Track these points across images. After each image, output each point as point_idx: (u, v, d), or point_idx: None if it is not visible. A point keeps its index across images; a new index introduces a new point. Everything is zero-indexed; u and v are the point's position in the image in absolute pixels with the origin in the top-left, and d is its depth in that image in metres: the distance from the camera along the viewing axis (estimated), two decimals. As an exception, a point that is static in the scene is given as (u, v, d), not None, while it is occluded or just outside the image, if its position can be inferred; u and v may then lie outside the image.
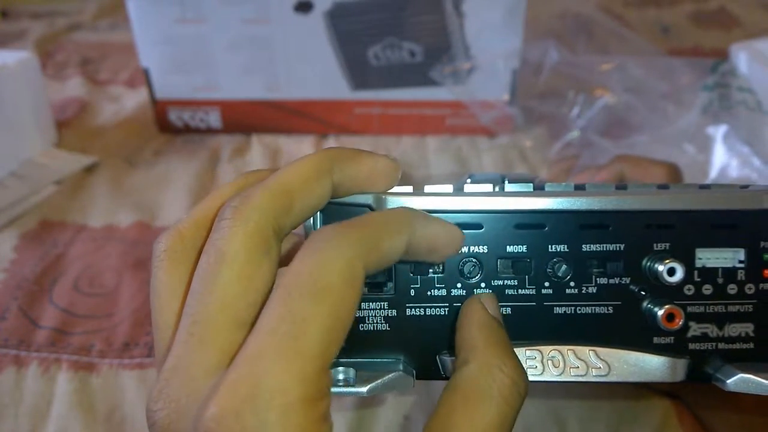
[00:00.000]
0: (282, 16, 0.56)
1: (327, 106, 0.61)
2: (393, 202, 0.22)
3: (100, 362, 0.38)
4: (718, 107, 0.54)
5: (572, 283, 0.23)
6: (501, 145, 0.60)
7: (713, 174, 0.49)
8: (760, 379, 0.21)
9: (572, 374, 0.22)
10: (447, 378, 0.23)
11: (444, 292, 0.23)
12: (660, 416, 0.34)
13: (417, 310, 0.23)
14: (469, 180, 0.25)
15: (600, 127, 0.55)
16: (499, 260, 0.23)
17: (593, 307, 0.23)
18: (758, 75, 0.54)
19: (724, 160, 0.49)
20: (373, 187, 0.22)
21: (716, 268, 0.23)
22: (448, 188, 0.23)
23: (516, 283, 0.23)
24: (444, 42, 0.57)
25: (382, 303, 0.23)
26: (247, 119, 0.62)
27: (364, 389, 0.21)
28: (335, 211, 0.22)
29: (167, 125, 0.62)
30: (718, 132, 0.50)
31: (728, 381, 0.22)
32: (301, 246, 0.19)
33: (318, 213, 0.22)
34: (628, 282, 0.23)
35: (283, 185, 0.20)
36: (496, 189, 0.23)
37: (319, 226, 0.22)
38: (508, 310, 0.23)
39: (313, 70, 0.59)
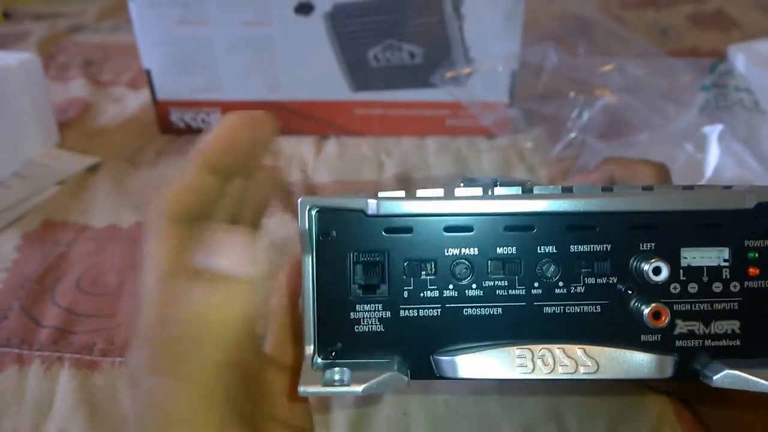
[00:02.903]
0: (283, 17, 0.56)
1: (327, 107, 0.61)
2: (386, 207, 0.23)
3: (102, 361, 0.39)
4: (714, 107, 0.55)
5: (561, 283, 0.23)
6: (501, 146, 0.60)
7: (709, 173, 0.49)
8: (746, 375, 0.22)
9: (561, 372, 0.23)
10: (441, 377, 0.23)
11: (436, 293, 0.23)
12: (658, 413, 0.34)
13: (410, 311, 0.23)
14: (461, 184, 0.25)
15: (600, 127, 0.56)
16: (489, 261, 0.23)
17: (582, 307, 0.23)
18: (756, 76, 0.54)
19: (719, 160, 0.49)
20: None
21: (701, 267, 0.23)
22: (439, 192, 0.23)
23: (506, 284, 0.23)
24: (443, 44, 0.57)
25: (377, 305, 0.23)
26: (248, 120, 0.62)
27: (359, 389, 0.21)
28: (330, 215, 0.23)
29: (169, 126, 0.63)
30: (714, 132, 0.51)
31: (715, 377, 0.22)
32: None
33: (314, 216, 0.23)
34: (615, 281, 0.23)
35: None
36: (487, 192, 0.23)
37: (315, 228, 0.23)
38: (499, 310, 0.23)
39: (313, 71, 0.59)
